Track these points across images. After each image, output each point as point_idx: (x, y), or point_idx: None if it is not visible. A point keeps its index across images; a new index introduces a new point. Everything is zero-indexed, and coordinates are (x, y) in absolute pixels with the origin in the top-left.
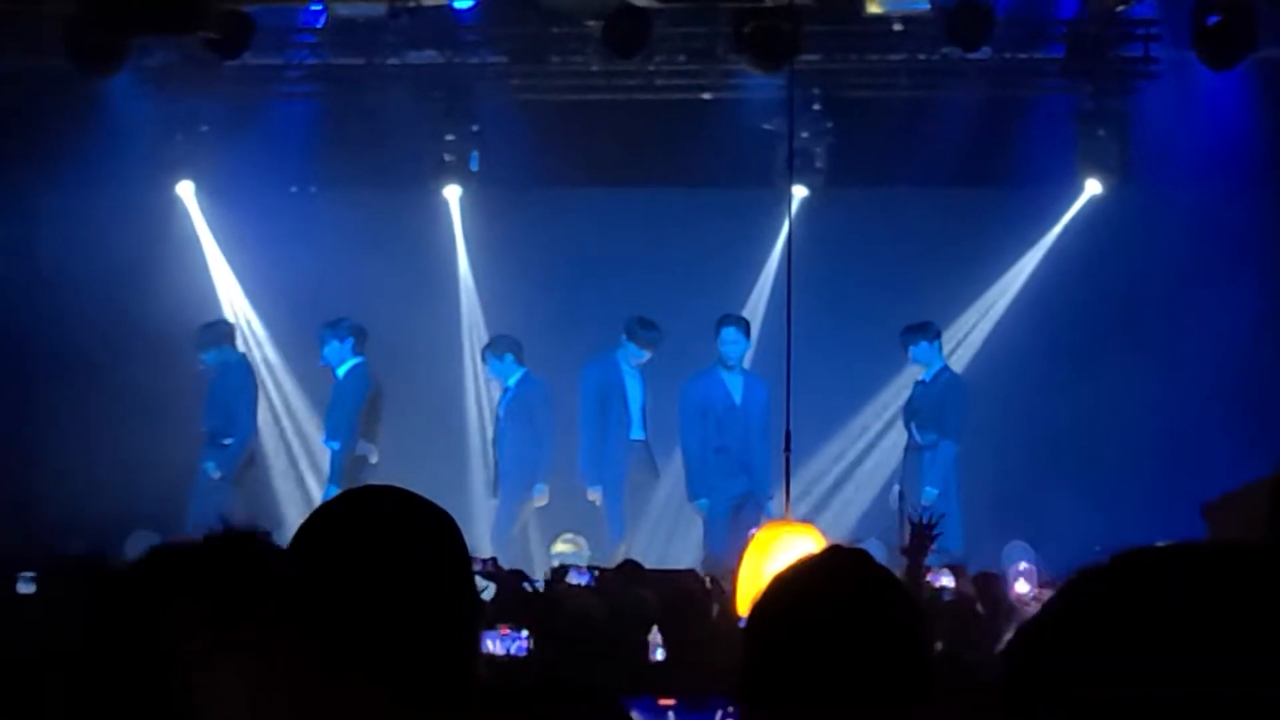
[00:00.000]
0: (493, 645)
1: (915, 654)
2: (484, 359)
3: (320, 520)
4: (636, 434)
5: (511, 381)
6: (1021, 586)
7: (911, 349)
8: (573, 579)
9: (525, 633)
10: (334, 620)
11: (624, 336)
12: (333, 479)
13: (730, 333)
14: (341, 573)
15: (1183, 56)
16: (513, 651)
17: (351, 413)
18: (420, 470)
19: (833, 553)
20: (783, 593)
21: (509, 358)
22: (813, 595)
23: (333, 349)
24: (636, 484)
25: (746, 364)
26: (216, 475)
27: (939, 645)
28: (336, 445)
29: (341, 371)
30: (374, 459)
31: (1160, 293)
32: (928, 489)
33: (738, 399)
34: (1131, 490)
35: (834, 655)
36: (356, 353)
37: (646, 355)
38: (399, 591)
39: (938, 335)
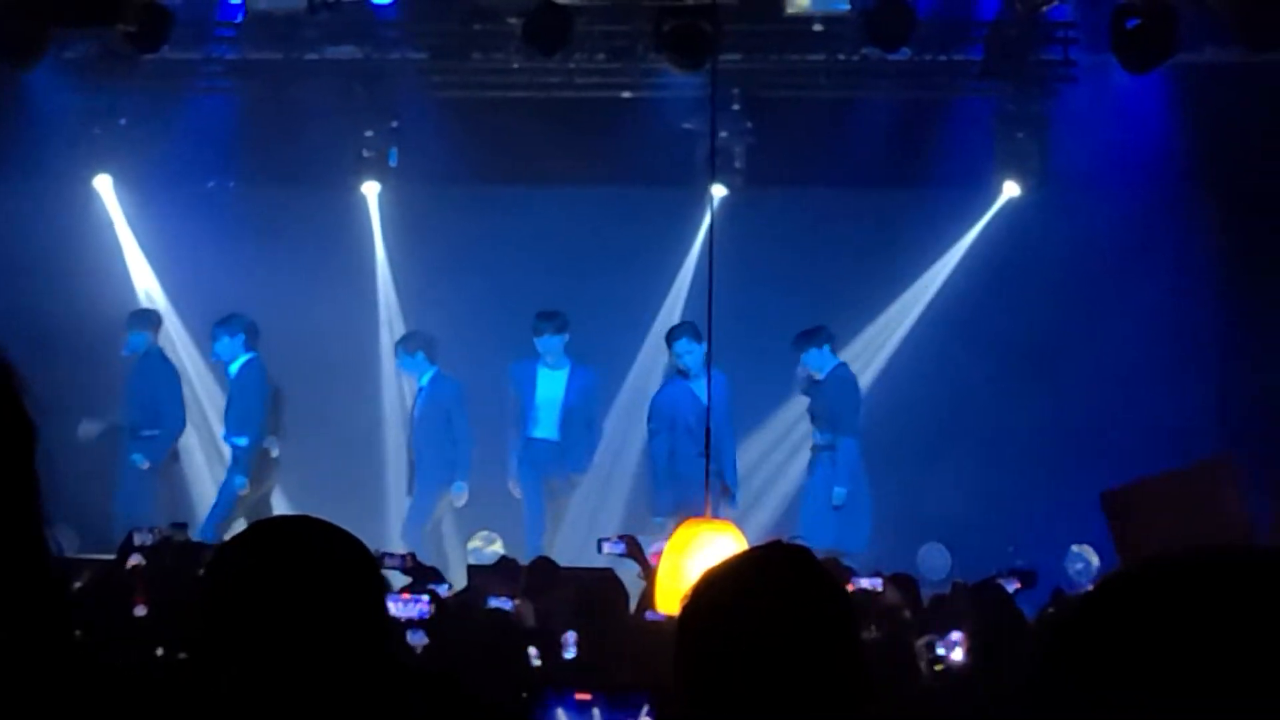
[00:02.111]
0: (394, 608)
1: (851, 651)
2: (396, 355)
3: (232, 554)
4: (542, 433)
5: (424, 380)
6: None
7: (804, 356)
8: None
9: (427, 597)
10: (246, 656)
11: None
12: (240, 472)
13: (683, 344)
14: (253, 611)
15: (1102, 60)
16: (415, 616)
17: (255, 408)
18: (335, 466)
19: (768, 549)
20: (717, 589)
21: (420, 355)
22: (748, 591)
23: (224, 345)
24: (549, 485)
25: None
26: (145, 466)
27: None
28: (244, 441)
29: (234, 368)
30: (275, 452)
31: (1076, 293)
32: (837, 489)
33: (705, 404)
34: (1046, 486)
35: (769, 652)
36: (249, 349)
37: (557, 345)
38: (311, 625)
39: (829, 339)
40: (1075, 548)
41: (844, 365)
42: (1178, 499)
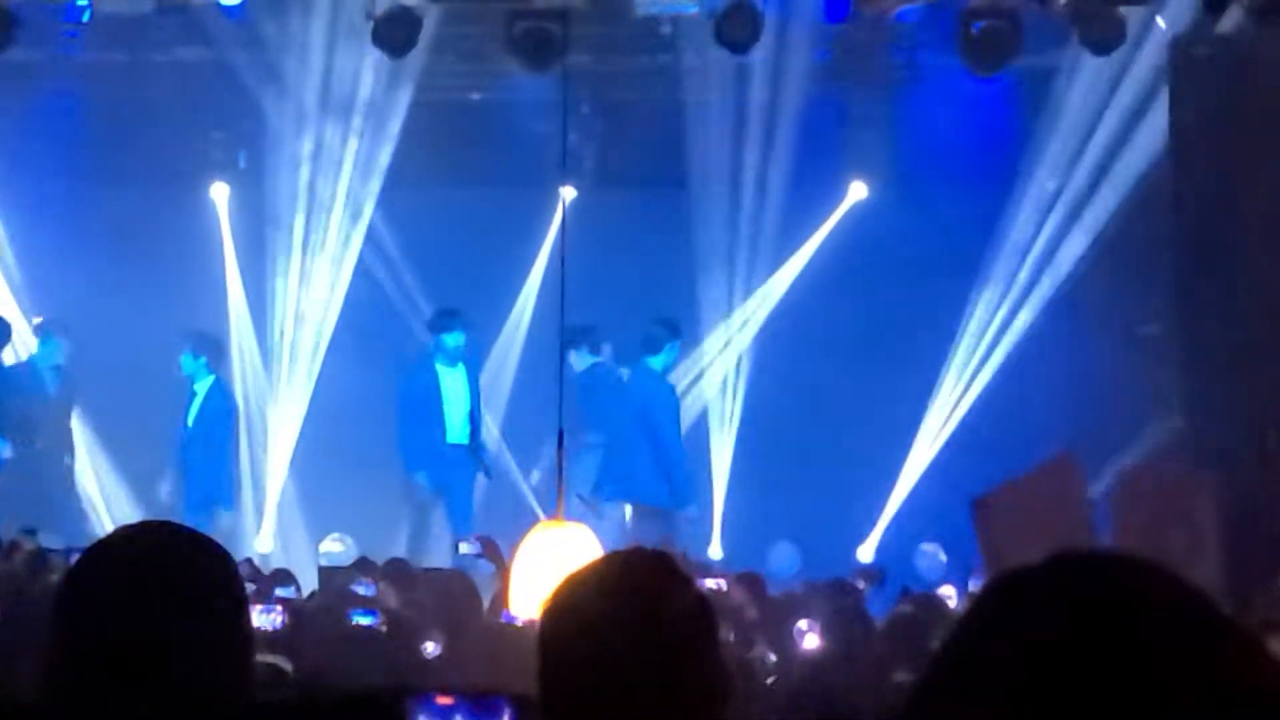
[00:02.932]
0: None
1: (713, 654)
2: (181, 354)
3: (96, 558)
4: (454, 437)
5: (200, 387)
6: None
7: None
8: (357, 589)
9: (279, 607)
10: (108, 657)
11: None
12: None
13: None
14: (115, 612)
15: (948, 62)
16: (273, 627)
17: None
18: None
19: (629, 554)
20: (578, 595)
21: (204, 361)
22: (609, 597)
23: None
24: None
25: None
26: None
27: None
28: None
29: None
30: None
31: (925, 292)
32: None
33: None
34: (897, 485)
35: (632, 658)
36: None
37: (461, 341)
38: (173, 630)
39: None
40: (924, 546)
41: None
42: (1031, 501)
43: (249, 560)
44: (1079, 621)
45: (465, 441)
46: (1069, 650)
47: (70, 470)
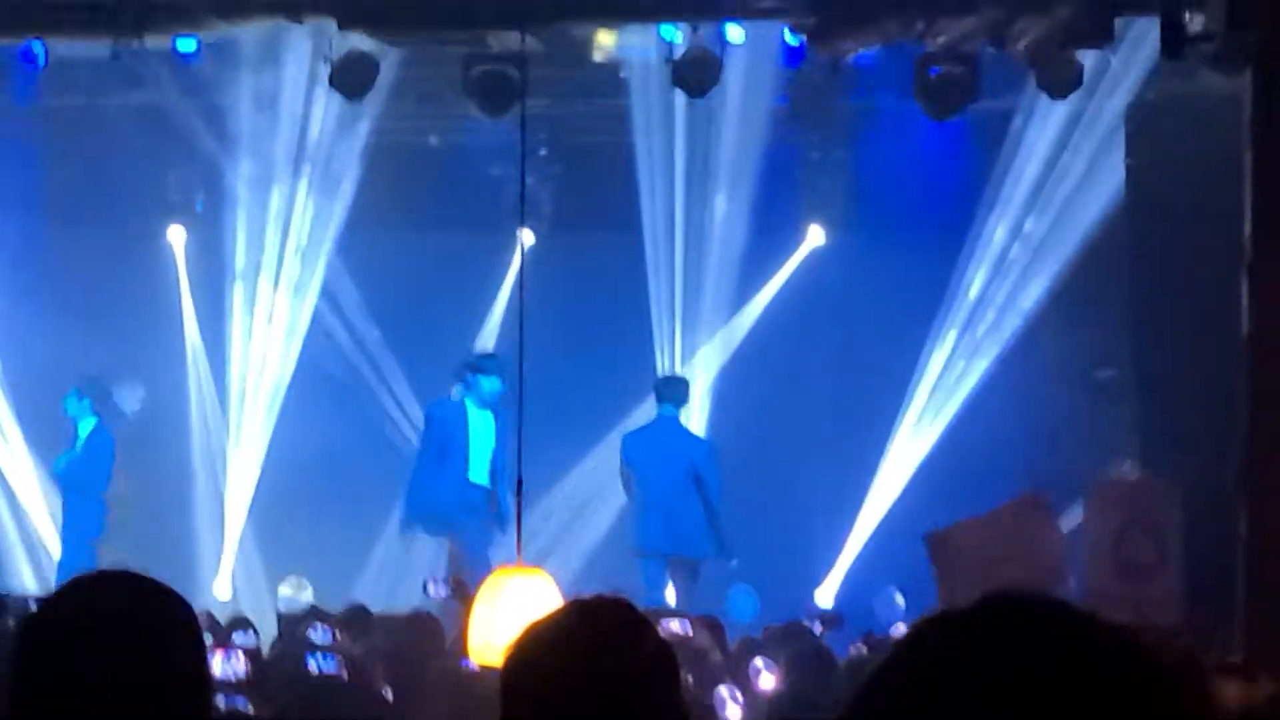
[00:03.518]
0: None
1: (675, 701)
2: (69, 395)
3: (55, 605)
4: (476, 478)
5: (83, 429)
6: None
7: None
8: (313, 636)
9: (240, 654)
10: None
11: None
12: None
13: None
14: (73, 659)
15: (905, 106)
16: (234, 675)
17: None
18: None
19: (591, 603)
20: (542, 644)
21: (88, 402)
22: (573, 646)
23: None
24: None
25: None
26: None
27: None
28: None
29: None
30: None
31: (883, 336)
32: None
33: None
34: (857, 529)
35: (596, 707)
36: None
37: (486, 387)
38: (131, 676)
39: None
40: (885, 590)
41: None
42: (996, 539)
43: (208, 613)
44: (988, 667)
45: (486, 484)
46: (973, 694)
47: None
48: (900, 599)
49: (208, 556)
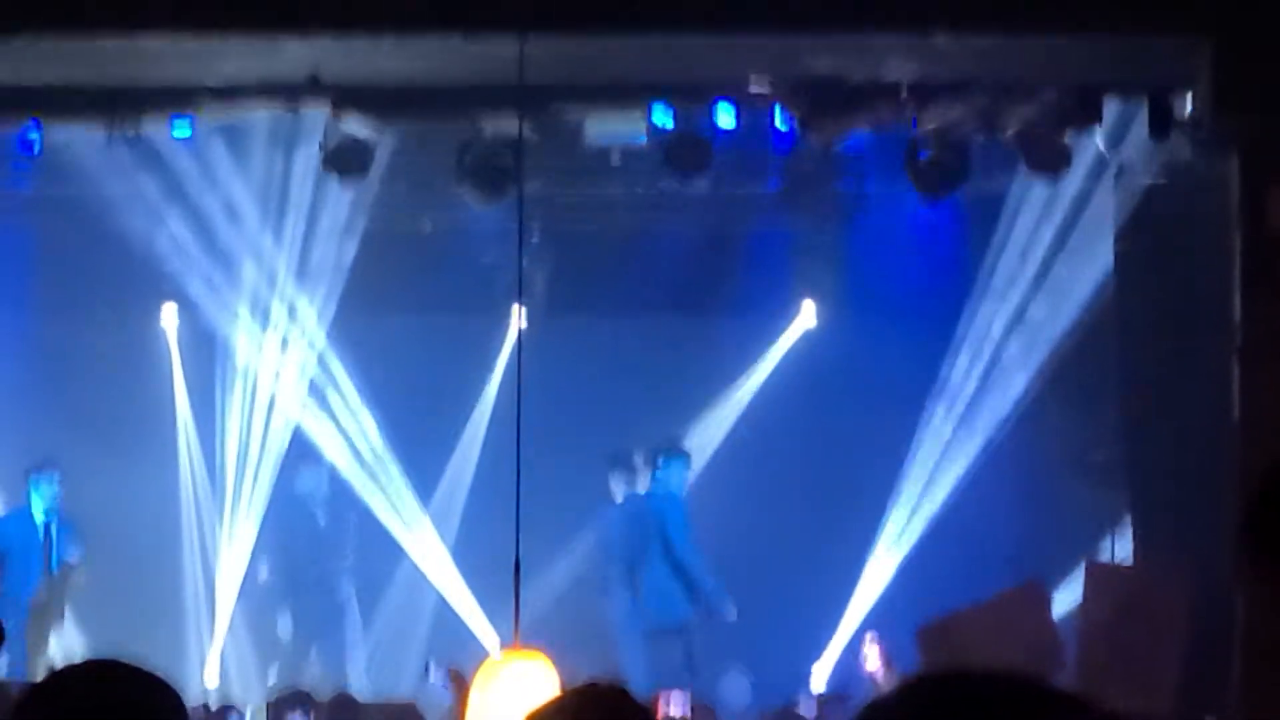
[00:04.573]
0: None
1: None
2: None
3: (42, 693)
4: None
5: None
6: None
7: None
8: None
9: None
10: None
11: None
12: None
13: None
14: None
15: (897, 189)
16: None
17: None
18: (130, 599)
19: (588, 690)
20: None
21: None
22: None
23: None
24: None
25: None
26: None
27: None
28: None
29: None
30: None
31: (876, 418)
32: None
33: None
34: (852, 612)
35: None
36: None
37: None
38: None
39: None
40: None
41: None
42: (990, 628)
43: (204, 704)
44: None
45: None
46: None
47: None
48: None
49: (196, 642)
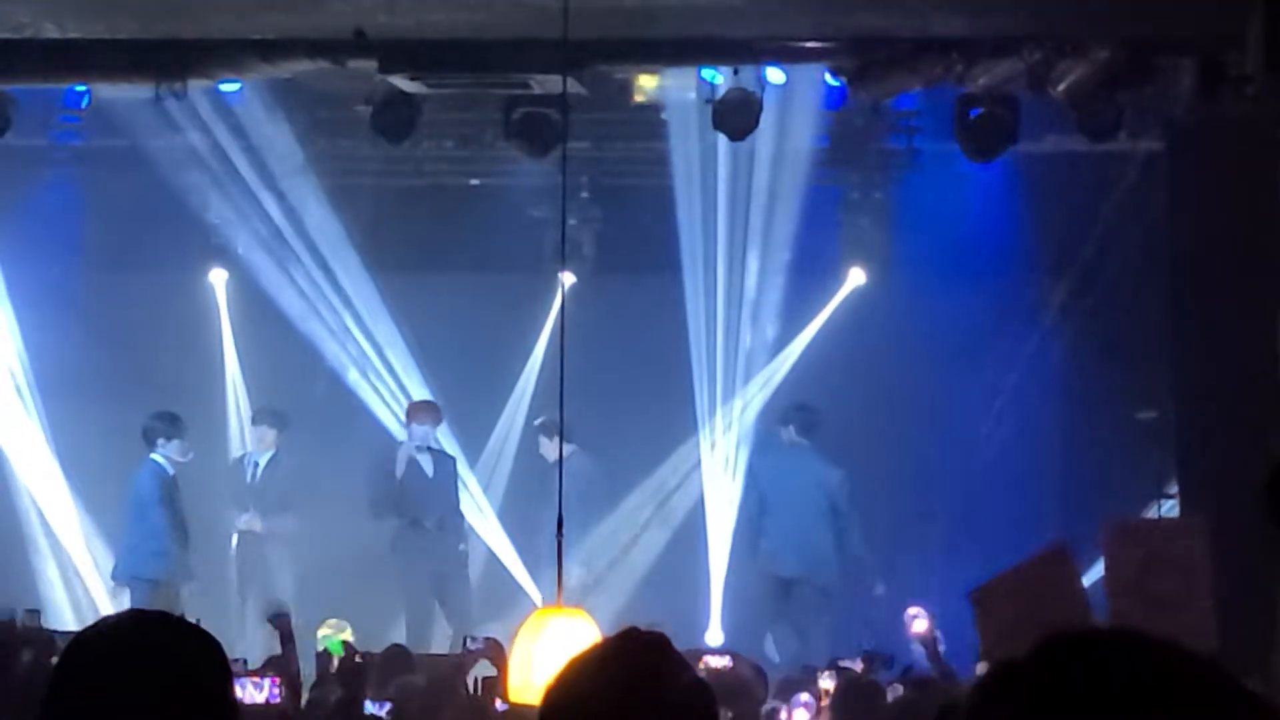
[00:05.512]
0: (243, 692)
1: None
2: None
3: (82, 645)
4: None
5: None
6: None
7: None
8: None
9: (277, 679)
10: None
11: None
12: None
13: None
14: (101, 698)
15: (946, 148)
16: (268, 699)
17: None
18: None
19: (626, 638)
20: (578, 679)
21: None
22: (609, 680)
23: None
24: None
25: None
26: None
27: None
28: None
29: None
30: None
31: (923, 378)
32: None
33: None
34: (899, 570)
35: None
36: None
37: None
38: (161, 704)
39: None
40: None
41: None
42: (1024, 589)
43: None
44: (1073, 708)
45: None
46: None
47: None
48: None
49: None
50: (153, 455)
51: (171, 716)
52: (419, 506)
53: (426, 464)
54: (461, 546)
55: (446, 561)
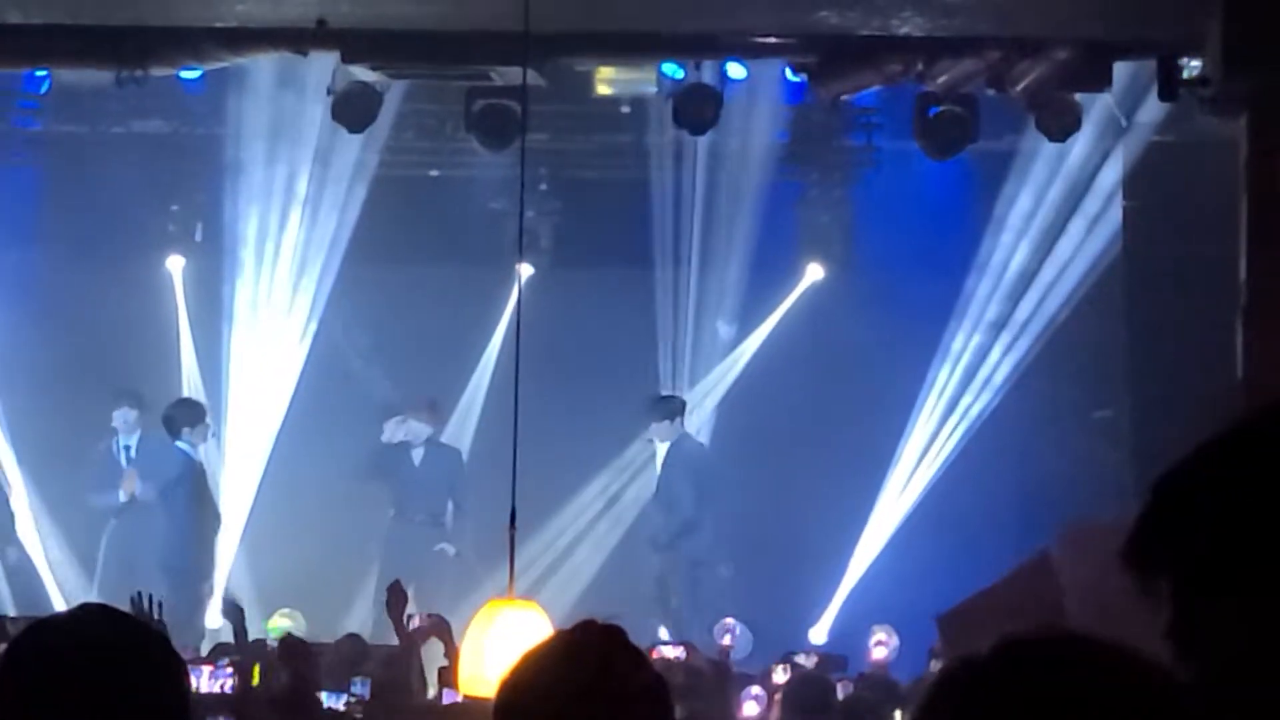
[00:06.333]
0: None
1: None
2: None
3: (34, 640)
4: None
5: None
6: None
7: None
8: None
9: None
10: None
11: None
12: None
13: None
14: (52, 698)
15: (905, 146)
16: (224, 689)
17: None
18: None
19: (583, 630)
20: (534, 671)
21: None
22: (565, 673)
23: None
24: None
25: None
26: None
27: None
28: None
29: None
30: None
31: (878, 376)
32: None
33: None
34: (852, 569)
35: None
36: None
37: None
38: (111, 704)
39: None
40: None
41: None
42: (1001, 610)
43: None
44: (1029, 711)
45: None
46: None
47: None
48: (894, 637)
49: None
50: (178, 443)
51: (126, 711)
52: (403, 499)
53: (416, 456)
54: (440, 546)
55: (425, 558)
